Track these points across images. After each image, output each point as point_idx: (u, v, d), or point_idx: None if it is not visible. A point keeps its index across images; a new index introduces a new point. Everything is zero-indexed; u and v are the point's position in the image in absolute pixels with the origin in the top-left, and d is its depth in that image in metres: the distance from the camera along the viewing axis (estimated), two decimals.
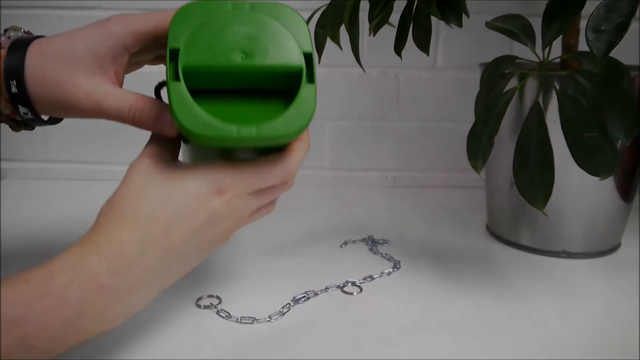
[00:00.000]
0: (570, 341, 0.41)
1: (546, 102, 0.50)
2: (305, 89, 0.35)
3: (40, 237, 0.60)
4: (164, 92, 0.39)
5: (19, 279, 0.30)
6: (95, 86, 0.36)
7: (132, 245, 0.32)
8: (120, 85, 0.39)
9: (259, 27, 0.35)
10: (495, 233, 0.63)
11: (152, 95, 0.40)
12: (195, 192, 0.34)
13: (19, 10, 0.79)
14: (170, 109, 0.33)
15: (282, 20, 0.35)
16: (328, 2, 0.55)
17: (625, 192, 0.56)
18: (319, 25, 0.56)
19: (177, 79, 0.33)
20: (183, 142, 0.39)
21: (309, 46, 0.35)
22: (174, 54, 0.34)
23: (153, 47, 0.39)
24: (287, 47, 0.35)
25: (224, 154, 0.39)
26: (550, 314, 0.45)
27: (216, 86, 0.36)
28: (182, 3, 0.35)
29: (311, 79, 0.35)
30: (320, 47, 0.57)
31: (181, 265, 0.36)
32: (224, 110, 0.35)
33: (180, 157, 0.39)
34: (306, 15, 0.59)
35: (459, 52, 0.81)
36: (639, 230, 0.64)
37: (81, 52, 0.36)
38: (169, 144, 0.37)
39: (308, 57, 0.35)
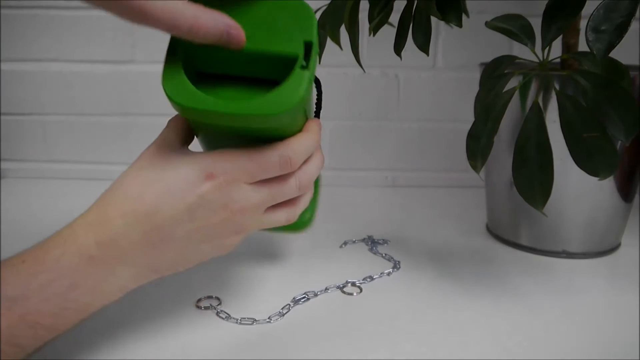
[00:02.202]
0: (570, 341, 0.41)
1: (546, 102, 0.50)
2: (296, 74, 0.34)
3: (40, 237, 0.60)
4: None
5: (16, 260, 0.32)
6: None
7: (117, 219, 0.34)
8: None
9: (263, 14, 0.35)
10: (495, 233, 0.63)
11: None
12: (185, 175, 0.34)
13: (19, 10, 0.79)
14: (162, 80, 0.34)
15: (289, 8, 0.35)
16: (328, 2, 0.55)
17: (625, 192, 0.56)
18: (319, 25, 0.56)
19: (173, 53, 0.34)
20: (195, 134, 0.40)
21: (312, 36, 0.35)
22: None
23: None
24: (289, 35, 0.35)
25: (231, 146, 0.38)
26: (550, 314, 0.45)
27: (220, 71, 0.36)
28: None
29: (306, 66, 0.35)
30: (320, 47, 0.57)
31: (174, 252, 0.36)
32: (218, 90, 0.36)
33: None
34: None
35: (459, 52, 0.81)
36: (639, 230, 0.64)
37: None
38: (181, 132, 0.38)
39: (308, 46, 0.35)
